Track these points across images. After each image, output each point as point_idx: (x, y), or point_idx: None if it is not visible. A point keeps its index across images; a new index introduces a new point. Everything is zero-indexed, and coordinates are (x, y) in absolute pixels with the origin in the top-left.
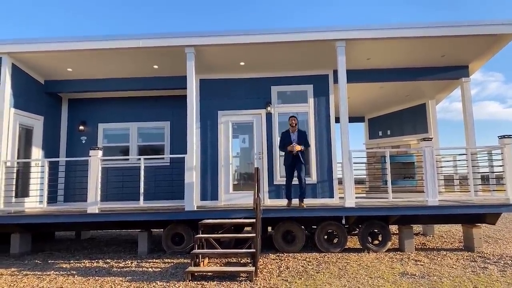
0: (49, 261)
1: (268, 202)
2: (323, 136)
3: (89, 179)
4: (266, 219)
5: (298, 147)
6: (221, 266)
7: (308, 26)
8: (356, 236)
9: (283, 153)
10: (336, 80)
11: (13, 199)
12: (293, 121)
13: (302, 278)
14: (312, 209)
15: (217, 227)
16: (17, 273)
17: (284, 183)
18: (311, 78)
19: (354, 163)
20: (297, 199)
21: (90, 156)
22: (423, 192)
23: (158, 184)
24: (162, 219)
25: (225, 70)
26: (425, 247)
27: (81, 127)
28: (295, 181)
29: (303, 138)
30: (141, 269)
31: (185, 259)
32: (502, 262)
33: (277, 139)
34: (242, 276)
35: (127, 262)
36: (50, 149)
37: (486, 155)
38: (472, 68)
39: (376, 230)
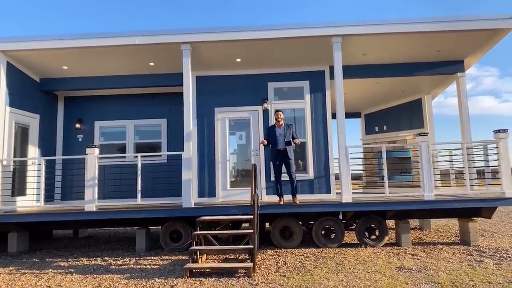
0: (47, 260)
1: (265, 198)
2: (319, 132)
3: (86, 177)
4: (263, 215)
5: (265, 142)
6: (219, 262)
7: (304, 22)
8: (353, 231)
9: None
10: (332, 76)
11: (10, 198)
12: (279, 116)
13: (300, 273)
14: (309, 204)
15: (215, 223)
16: (15, 272)
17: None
18: (307, 74)
19: (351, 158)
20: (289, 195)
21: (86, 154)
22: (419, 186)
23: (155, 181)
24: (159, 216)
25: (222, 66)
26: (421, 241)
27: (78, 125)
28: (285, 177)
29: (290, 133)
30: (139, 266)
31: (183, 256)
32: (498, 256)
33: None
34: (240, 272)
35: (125, 259)
36: (47, 148)
37: (482, 149)
38: (467, 63)
39: (373, 225)
